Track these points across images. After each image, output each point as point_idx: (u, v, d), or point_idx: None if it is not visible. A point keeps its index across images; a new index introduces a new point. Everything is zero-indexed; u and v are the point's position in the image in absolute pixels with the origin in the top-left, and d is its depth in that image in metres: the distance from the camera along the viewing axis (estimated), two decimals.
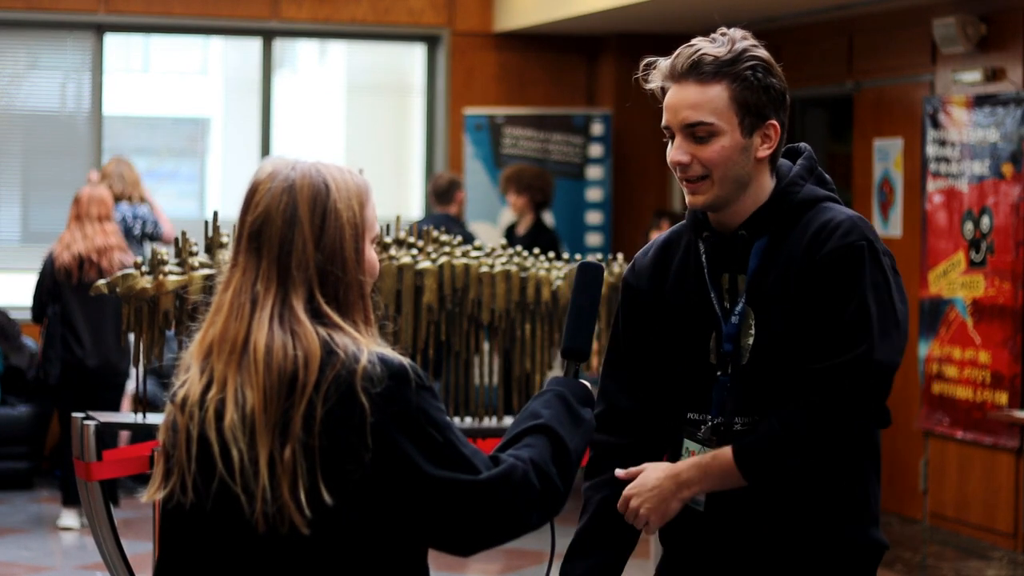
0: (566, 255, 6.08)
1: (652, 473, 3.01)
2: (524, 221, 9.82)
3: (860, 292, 2.93)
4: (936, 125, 8.86)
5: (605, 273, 3.98)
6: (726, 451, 2.98)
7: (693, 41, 3.06)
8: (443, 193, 9.91)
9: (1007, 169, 8.37)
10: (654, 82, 3.08)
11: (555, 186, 10.26)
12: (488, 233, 10.22)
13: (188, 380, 2.52)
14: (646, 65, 3.10)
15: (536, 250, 5.93)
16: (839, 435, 2.95)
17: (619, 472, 3.02)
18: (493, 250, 5.75)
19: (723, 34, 3.05)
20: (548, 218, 10.25)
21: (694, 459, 3.01)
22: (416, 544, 2.50)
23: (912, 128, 9.16)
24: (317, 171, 2.54)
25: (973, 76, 8.63)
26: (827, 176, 3.13)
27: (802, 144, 3.17)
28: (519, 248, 5.83)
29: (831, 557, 3.04)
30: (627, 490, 3.02)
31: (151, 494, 2.56)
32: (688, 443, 3.08)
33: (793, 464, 2.96)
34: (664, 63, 3.06)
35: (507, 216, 10.42)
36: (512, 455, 2.51)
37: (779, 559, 3.03)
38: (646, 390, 3.17)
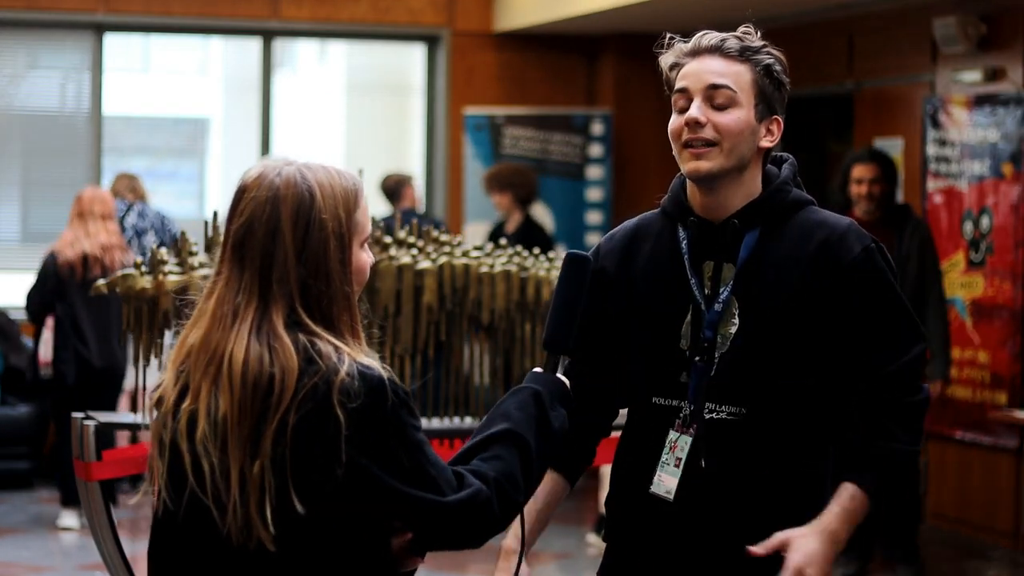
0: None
1: (814, 543, 2.94)
2: (513, 219, 9.77)
3: (894, 292, 3.05)
4: (936, 125, 8.86)
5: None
6: (854, 493, 2.97)
7: (711, 30, 3.11)
8: (392, 193, 10.13)
9: (1007, 169, 8.37)
10: (668, 59, 3.10)
11: (538, 181, 10.17)
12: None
13: (163, 385, 2.50)
14: (668, 41, 3.12)
15: (536, 249, 5.93)
16: (921, 428, 3.05)
17: (758, 550, 2.94)
18: (493, 250, 5.75)
19: (742, 30, 3.11)
20: (542, 214, 10.24)
21: (837, 511, 2.97)
22: (384, 554, 2.50)
23: (912, 128, 9.16)
24: (303, 177, 2.47)
25: (973, 76, 8.63)
26: (804, 187, 3.19)
27: (786, 154, 3.21)
28: (518, 248, 5.83)
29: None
30: (797, 562, 2.92)
31: (140, 495, 2.57)
32: (672, 434, 3.06)
33: (906, 474, 3.03)
34: (683, 44, 3.10)
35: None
36: (477, 472, 2.49)
37: (741, 556, 3.02)
38: (597, 373, 3.16)
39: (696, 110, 3.03)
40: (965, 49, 8.60)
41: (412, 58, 11.62)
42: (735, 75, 3.03)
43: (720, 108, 3.03)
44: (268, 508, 2.37)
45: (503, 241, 5.95)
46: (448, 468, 2.47)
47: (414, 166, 11.54)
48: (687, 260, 3.08)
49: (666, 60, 3.11)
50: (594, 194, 11.06)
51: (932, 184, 8.89)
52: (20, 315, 9.90)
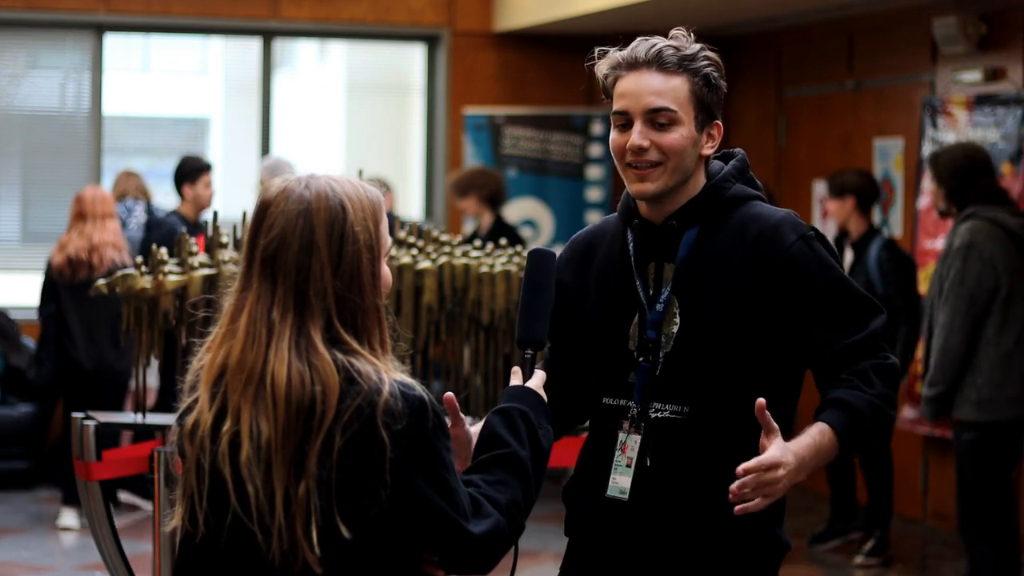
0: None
1: (788, 454, 2.86)
2: (484, 222, 9.70)
3: (838, 273, 3.05)
4: (936, 125, 8.86)
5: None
6: (826, 435, 2.94)
7: (646, 37, 3.12)
8: None
9: (1007, 169, 8.37)
10: (602, 69, 3.13)
11: (504, 180, 9.99)
12: None
13: (197, 407, 2.46)
14: (600, 53, 3.14)
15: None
16: (895, 391, 3.03)
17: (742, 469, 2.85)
18: (493, 250, 5.76)
19: (675, 35, 3.11)
20: (542, 213, 10.19)
21: (807, 441, 2.92)
22: (420, 572, 2.51)
23: (912, 128, 9.16)
24: (332, 191, 2.46)
25: (973, 76, 8.63)
26: (757, 181, 3.19)
27: (737, 149, 3.22)
28: (519, 248, 5.84)
29: (744, 552, 3.07)
30: (771, 458, 2.82)
31: (173, 523, 2.50)
32: (622, 435, 3.08)
33: (879, 438, 3.00)
34: (618, 53, 3.12)
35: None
36: (491, 499, 2.51)
37: (693, 551, 3.05)
38: (557, 376, 3.15)
39: (638, 136, 3.05)
40: (965, 49, 8.60)
41: (412, 58, 11.62)
42: (674, 91, 3.05)
43: (662, 127, 3.04)
44: (314, 530, 2.36)
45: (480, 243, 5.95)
46: (465, 491, 2.49)
47: (414, 166, 11.54)
48: (633, 262, 3.12)
49: (600, 70, 3.14)
50: (594, 194, 11.06)
51: (930, 184, 8.87)
52: (20, 315, 9.91)
